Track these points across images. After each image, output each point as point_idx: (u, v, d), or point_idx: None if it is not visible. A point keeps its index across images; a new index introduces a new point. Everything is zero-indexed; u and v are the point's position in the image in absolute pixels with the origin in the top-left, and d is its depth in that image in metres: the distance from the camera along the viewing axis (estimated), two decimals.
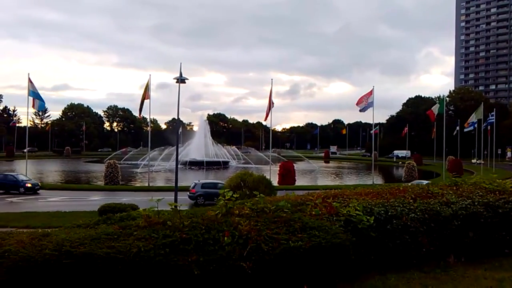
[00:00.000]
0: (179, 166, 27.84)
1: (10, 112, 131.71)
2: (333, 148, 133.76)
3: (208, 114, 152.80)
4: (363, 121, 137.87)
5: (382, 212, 6.14)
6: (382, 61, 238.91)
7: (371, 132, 63.24)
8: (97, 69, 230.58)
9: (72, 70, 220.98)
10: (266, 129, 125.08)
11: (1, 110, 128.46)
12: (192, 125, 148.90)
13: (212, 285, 4.69)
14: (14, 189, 33.22)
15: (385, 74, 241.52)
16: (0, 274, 4.52)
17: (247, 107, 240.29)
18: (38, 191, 33.77)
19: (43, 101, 43.28)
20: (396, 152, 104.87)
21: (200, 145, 74.97)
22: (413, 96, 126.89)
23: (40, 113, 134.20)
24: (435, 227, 6.52)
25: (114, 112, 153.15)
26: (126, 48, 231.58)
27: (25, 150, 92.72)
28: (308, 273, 5.05)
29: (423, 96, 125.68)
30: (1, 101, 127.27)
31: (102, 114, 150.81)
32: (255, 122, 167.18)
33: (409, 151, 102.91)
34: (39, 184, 35.55)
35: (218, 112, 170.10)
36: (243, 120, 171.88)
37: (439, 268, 6.40)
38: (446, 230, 6.65)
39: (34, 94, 39.99)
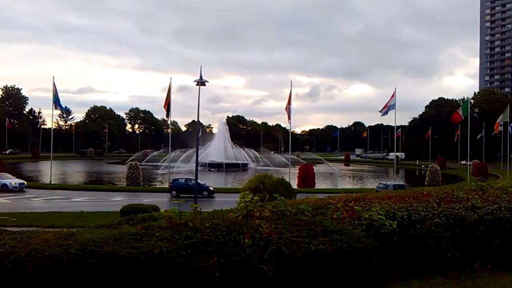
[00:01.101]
0: (198, 168, 28.17)
1: (35, 114, 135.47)
2: (358, 151, 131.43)
3: (228, 116, 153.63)
4: (384, 124, 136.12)
5: (405, 216, 6.02)
6: (404, 62, 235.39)
7: (394, 136, 62.24)
8: (119, 72, 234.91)
9: (95, 73, 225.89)
10: (285, 131, 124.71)
11: (27, 112, 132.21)
12: (212, 127, 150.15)
13: (233, 287, 4.70)
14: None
15: (407, 75, 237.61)
16: (27, 272, 4.65)
17: (266, 109, 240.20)
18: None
19: (62, 106, 44.87)
20: (391, 154, 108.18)
21: (219, 147, 75.54)
22: (436, 98, 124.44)
23: (65, 115, 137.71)
24: (460, 233, 6.36)
25: (136, 114, 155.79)
26: (148, 51, 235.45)
27: (7, 152, 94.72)
28: (329, 278, 5.01)
29: (446, 98, 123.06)
30: (27, 103, 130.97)
31: (124, 116, 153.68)
32: (274, 124, 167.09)
33: (403, 153, 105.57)
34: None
35: (238, 114, 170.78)
36: (262, 122, 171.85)
37: (464, 275, 6.24)
38: (471, 235, 6.48)
39: (56, 99, 41.40)
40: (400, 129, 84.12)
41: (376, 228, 5.58)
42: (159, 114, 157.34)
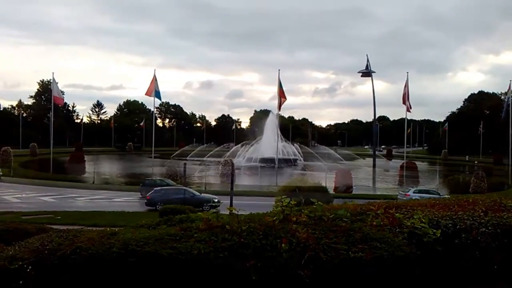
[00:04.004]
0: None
1: (69, 108, 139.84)
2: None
3: (255, 111, 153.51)
4: (426, 119, 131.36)
5: (450, 225, 5.76)
6: (420, 60, 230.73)
7: (442, 129, 60.16)
8: (149, 70, 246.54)
9: (126, 71, 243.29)
10: (312, 125, 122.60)
11: (62, 107, 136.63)
12: (240, 122, 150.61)
13: None
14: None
15: (421, 72, 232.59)
16: (72, 269, 4.82)
17: (286, 104, 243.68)
18: None
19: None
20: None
21: (269, 142, 71.00)
22: (476, 92, 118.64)
23: (97, 109, 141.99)
24: (508, 243, 6.03)
25: (166, 108, 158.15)
26: (176, 51, 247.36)
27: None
28: (367, 286, 4.89)
29: (486, 91, 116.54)
30: (63, 98, 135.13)
31: (155, 110, 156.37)
32: (300, 118, 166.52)
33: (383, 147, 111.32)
34: None
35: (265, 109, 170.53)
36: (289, 117, 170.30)
37: None
38: None
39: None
40: (446, 124, 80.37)
41: (418, 237, 5.37)
42: (188, 109, 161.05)
